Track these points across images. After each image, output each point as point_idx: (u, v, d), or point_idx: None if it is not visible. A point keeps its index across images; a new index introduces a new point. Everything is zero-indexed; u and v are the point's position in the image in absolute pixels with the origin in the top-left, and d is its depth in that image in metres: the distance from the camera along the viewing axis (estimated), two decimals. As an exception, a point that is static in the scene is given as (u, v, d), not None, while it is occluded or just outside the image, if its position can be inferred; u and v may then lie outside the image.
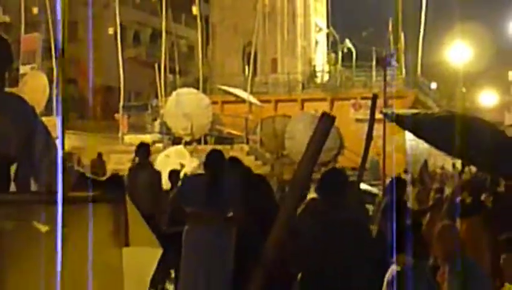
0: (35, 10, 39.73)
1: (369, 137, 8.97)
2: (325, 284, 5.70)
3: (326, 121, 2.62)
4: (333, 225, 5.91)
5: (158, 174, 12.28)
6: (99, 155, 25.65)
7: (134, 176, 11.44)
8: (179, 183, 10.40)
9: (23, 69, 35.07)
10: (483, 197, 11.62)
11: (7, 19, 41.01)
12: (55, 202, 3.29)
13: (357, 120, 31.32)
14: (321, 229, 5.90)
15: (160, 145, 31.24)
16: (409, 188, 13.36)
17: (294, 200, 2.79)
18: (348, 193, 6.80)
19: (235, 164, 8.74)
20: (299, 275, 5.98)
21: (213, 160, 8.19)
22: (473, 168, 14.90)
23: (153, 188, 10.96)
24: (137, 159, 12.08)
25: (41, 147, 3.68)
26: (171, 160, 25.37)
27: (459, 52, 41.83)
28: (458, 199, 10.39)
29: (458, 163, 18.58)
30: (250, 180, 8.33)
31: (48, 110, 30.83)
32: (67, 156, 6.85)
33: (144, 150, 11.73)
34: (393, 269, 5.56)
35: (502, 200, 10.71)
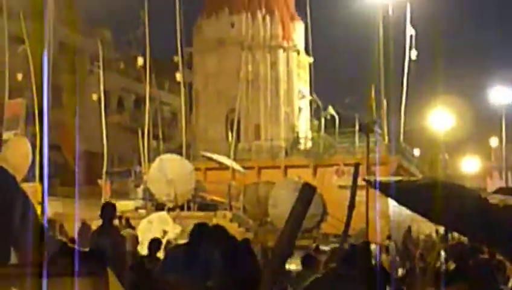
0: (19, 76, 39.87)
1: (352, 205, 8.99)
2: None
3: (307, 192, 2.64)
4: None
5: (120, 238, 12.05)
6: (84, 223, 25.39)
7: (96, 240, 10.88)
8: (162, 256, 10.44)
9: (6, 135, 35.05)
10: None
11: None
12: (36, 274, 3.26)
13: (340, 187, 31.21)
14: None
15: (143, 211, 31.21)
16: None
17: (276, 267, 2.78)
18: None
19: (220, 232, 8.70)
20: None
21: (197, 233, 8.17)
22: (456, 235, 14.94)
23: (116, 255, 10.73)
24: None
25: (20, 216, 3.63)
26: (154, 226, 25.28)
27: (441, 119, 42.13)
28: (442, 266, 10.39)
29: (441, 229, 18.61)
30: (234, 248, 8.31)
31: (30, 177, 30.91)
32: (49, 223, 6.85)
33: (107, 210, 11.30)
34: None
35: (484, 268, 10.72)
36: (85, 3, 43.81)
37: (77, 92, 41.55)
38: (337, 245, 12.23)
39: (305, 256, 6.35)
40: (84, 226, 24.71)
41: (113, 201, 34.69)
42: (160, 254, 15.12)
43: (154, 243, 11.11)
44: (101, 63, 43.37)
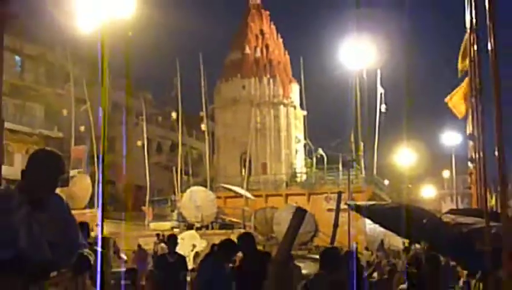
0: (82, 128, 40.04)
1: (336, 224, 8.98)
2: None
3: (299, 214, 2.66)
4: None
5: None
6: (139, 247, 25.20)
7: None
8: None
9: (72, 173, 35.09)
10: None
11: (60, 134, 41.19)
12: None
13: (328, 210, 30.94)
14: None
15: (177, 230, 31.01)
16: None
17: (279, 271, 2.78)
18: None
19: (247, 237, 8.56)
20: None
21: (248, 239, 8.16)
22: (418, 245, 14.80)
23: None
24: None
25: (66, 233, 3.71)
26: (186, 241, 25.20)
27: (405, 157, 42.11)
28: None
29: (407, 242, 18.41)
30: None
31: (91, 204, 30.92)
32: (104, 240, 6.77)
33: (173, 240, 11.06)
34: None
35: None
36: (132, 72, 44.00)
37: (126, 140, 41.65)
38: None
39: (324, 253, 6.23)
40: (140, 249, 24.52)
41: (153, 223, 34.91)
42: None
43: (172, 238, 10.75)
44: (144, 118, 43.65)
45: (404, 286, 8.53)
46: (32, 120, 41.25)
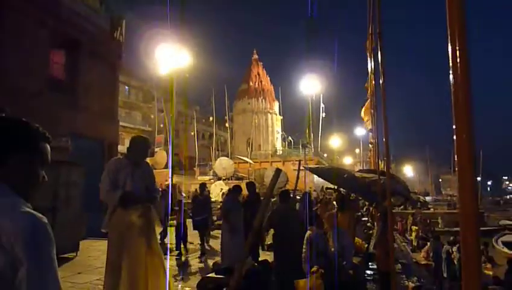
0: (161, 125, 40.02)
1: (297, 177, 8.90)
2: (283, 238, 5.62)
3: (277, 172, 2.65)
4: (286, 212, 5.87)
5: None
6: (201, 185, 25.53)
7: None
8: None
9: (156, 149, 35.14)
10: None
11: (150, 129, 41.14)
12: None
13: (294, 170, 31.17)
14: (281, 214, 5.85)
15: (213, 180, 31.06)
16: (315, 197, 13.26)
17: (266, 203, 2.80)
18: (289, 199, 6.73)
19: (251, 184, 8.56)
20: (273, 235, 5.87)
21: (251, 185, 8.19)
22: (343, 189, 14.72)
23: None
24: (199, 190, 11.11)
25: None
26: (217, 187, 25.31)
27: (335, 141, 42.11)
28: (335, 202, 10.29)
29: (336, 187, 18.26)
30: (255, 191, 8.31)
31: (166, 167, 30.92)
32: (173, 186, 6.76)
33: (201, 187, 10.96)
34: (309, 232, 5.51)
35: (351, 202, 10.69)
36: (188, 94, 44.12)
37: (184, 131, 41.65)
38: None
39: (281, 192, 6.25)
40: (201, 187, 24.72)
41: (199, 177, 35.11)
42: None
43: (202, 186, 10.63)
44: (194, 120, 43.76)
45: (334, 210, 8.54)
46: (135, 121, 41.16)
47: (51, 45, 12.02)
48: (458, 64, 1.36)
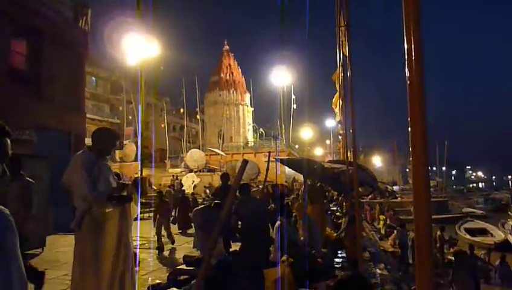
0: (130, 117, 39.28)
1: (267, 168, 8.97)
2: (248, 229, 5.65)
3: (243, 162, 2.68)
4: (249, 204, 5.90)
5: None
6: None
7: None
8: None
9: (125, 142, 34.56)
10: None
11: (118, 121, 40.39)
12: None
13: (265, 161, 31.52)
14: (248, 206, 5.88)
15: (184, 172, 30.85)
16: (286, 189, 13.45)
17: (234, 193, 2.84)
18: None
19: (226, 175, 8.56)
20: (241, 227, 5.89)
21: (225, 177, 8.16)
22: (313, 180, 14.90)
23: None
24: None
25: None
26: (189, 178, 25.11)
27: (306, 133, 42.48)
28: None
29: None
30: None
31: (135, 159, 30.42)
32: (143, 178, 6.67)
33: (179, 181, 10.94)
34: (278, 223, 5.58)
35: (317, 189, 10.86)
36: (158, 86, 43.41)
37: (154, 124, 41.23)
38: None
39: (241, 185, 6.25)
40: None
41: (170, 169, 34.85)
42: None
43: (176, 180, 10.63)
44: (165, 112, 43.14)
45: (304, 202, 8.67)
46: (103, 113, 40.25)
47: (11, 33, 11.54)
48: (413, 58, 1.42)
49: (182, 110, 46.21)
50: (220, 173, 32.72)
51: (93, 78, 40.75)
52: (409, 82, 1.45)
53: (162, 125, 42.41)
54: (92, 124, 34.34)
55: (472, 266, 11.64)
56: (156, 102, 44.40)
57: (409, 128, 1.42)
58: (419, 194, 1.38)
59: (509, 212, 23.05)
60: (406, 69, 1.44)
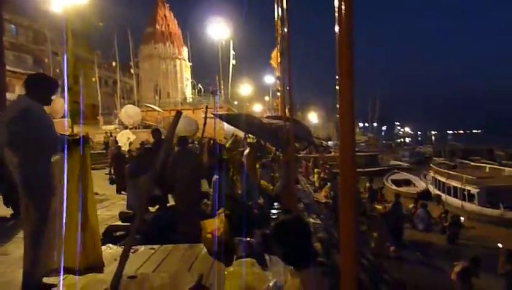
0: (57, 70, 36.66)
1: (205, 123, 8.96)
2: (181, 182, 5.62)
3: (178, 114, 2.66)
4: (182, 156, 5.90)
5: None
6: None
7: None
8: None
9: (53, 97, 32.44)
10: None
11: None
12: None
13: (203, 117, 31.32)
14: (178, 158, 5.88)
15: (118, 129, 29.84)
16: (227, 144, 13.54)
17: (167, 146, 2.82)
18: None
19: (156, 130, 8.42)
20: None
21: (157, 132, 7.99)
22: (251, 136, 15.05)
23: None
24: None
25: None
26: (124, 135, 24.36)
27: (244, 89, 42.49)
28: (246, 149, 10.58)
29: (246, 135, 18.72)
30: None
31: (64, 115, 28.82)
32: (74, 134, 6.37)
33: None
34: (216, 177, 5.66)
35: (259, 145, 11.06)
36: (89, 37, 40.61)
37: (84, 78, 39.05)
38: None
39: (179, 138, 6.15)
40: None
41: (104, 126, 33.55)
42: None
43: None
44: (95, 65, 40.85)
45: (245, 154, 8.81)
46: (25, 65, 37.04)
47: None
48: (343, 15, 1.48)
49: (114, 63, 43.84)
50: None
51: (13, 26, 37.13)
52: (338, 39, 1.50)
53: (94, 80, 40.12)
54: (14, 77, 31.69)
55: (397, 214, 12.76)
56: (86, 55, 41.71)
57: (337, 86, 1.50)
58: (345, 146, 1.48)
59: (430, 165, 25.09)
60: (336, 26, 1.49)
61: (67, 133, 4.51)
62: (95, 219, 3.42)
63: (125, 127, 30.60)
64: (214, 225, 4.15)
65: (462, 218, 13.99)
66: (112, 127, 32.43)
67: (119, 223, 5.77)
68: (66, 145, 3.30)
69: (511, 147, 37.19)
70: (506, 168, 21.94)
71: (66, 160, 3.26)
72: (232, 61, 43.15)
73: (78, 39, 35.63)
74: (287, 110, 9.82)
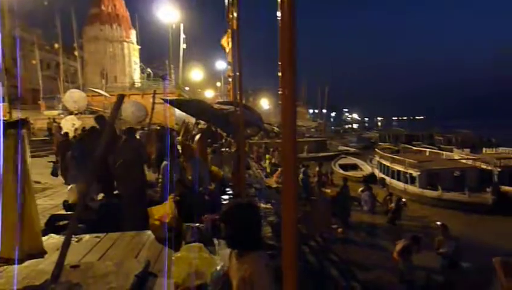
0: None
1: (153, 108, 8.79)
2: (123, 169, 5.50)
3: (120, 97, 2.60)
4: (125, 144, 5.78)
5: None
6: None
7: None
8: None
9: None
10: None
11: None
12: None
13: (151, 102, 30.56)
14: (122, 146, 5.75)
15: (62, 115, 28.51)
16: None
17: (110, 129, 2.75)
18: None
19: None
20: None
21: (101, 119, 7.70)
22: (202, 122, 14.96)
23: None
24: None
25: None
26: (68, 122, 23.23)
27: (196, 74, 41.85)
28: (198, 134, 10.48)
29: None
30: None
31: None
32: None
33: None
34: (164, 163, 5.59)
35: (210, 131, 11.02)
36: (27, 15, 38.06)
37: (26, 59, 36.69)
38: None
39: (127, 128, 6.03)
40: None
41: (46, 111, 31.91)
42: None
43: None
44: (36, 46, 38.48)
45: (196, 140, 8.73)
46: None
47: None
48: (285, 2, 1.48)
49: (56, 45, 41.44)
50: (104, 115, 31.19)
51: None
52: (281, 26, 1.51)
53: (34, 62, 37.83)
54: None
55: (344, 197, 13.26)
56: (25, 35, 39.17)
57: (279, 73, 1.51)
58: (286, 130, 1.51)
59: (376, 150, 26.15)
60: (279, 12, 1.49)
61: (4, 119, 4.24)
62: (33, 207, 3.27)
63: (70, 113, 29.23)
64: (163, 211, 4.11)
65: (404, 199, 14.76)
66: (55, 112, 30.90)
67: (63, 212, 5.56)
68: (1, 130, 3.11)
69: (449, 132, 39.54)
70: (444, 152, 23.40)
71: (1, 145, 3.08)
72: (183, 46, 42.29)
73: (15, 17, 33.41)
74: (238, 96, 9.82)
